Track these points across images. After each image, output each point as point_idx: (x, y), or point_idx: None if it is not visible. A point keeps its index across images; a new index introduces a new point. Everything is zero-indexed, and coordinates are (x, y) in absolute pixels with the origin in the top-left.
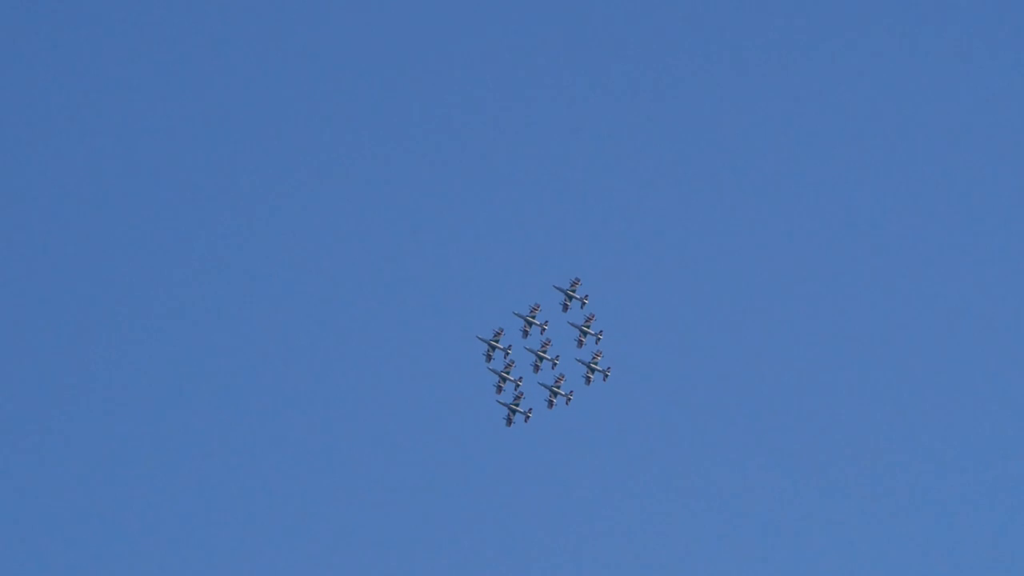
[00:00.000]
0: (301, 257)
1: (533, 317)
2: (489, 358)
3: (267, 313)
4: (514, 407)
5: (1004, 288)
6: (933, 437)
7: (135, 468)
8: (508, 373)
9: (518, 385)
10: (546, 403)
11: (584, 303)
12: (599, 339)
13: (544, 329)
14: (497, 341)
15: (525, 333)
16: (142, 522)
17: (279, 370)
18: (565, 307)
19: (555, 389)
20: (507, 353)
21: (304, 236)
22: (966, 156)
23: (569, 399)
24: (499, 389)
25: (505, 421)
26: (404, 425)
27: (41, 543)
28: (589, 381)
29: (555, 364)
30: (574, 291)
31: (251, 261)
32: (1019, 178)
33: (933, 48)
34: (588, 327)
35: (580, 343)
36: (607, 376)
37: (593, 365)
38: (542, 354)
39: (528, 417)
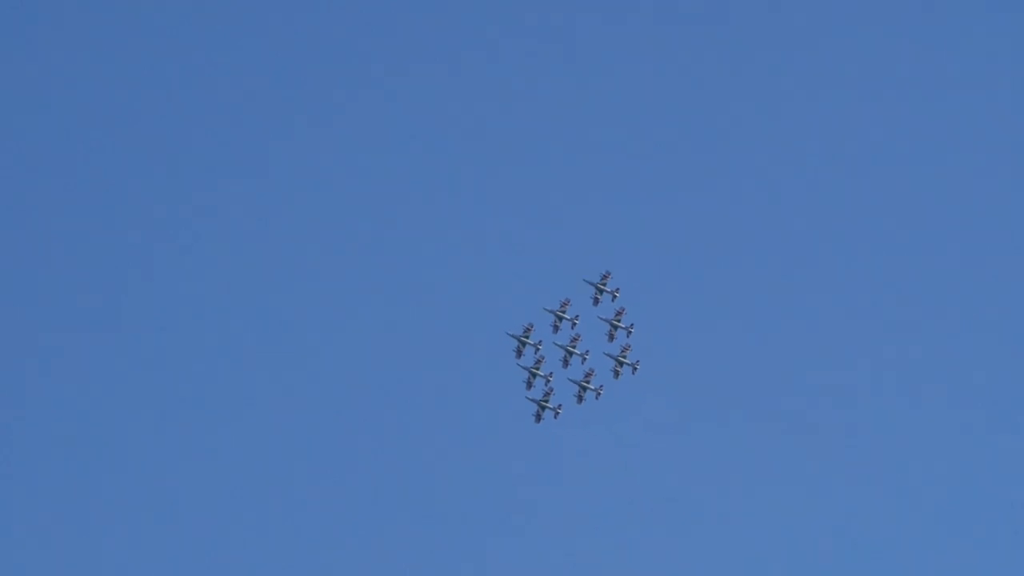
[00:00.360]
0: (328, 253)
1: (563, 312)
2: (519, 354)
3: (291, 310)
4: (544, 403)
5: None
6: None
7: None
8: (538, 369)
9: (548, 381)
10: (575, 398)
11: (615, 296)
12: (630, 332)
13: (575, 324)
14: (527, 337)
15: (556, 328)
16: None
17: (304, 368)
18: (596, 301)
19: (584, 384)
20: (537, 349)
21: (332, 231)
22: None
23: (599, 394)
24: (529, 385)
25: (535, 417)
26: (432, 422)
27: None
28: (618, 375)
29: (585, 359)
30: (604, 284)
31: (268, 257)
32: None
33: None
34: (619, 321)
35: (611, 337)
36: (636, 369)
37: (622, 359)
38: (571, 349)
39: (558, 413)
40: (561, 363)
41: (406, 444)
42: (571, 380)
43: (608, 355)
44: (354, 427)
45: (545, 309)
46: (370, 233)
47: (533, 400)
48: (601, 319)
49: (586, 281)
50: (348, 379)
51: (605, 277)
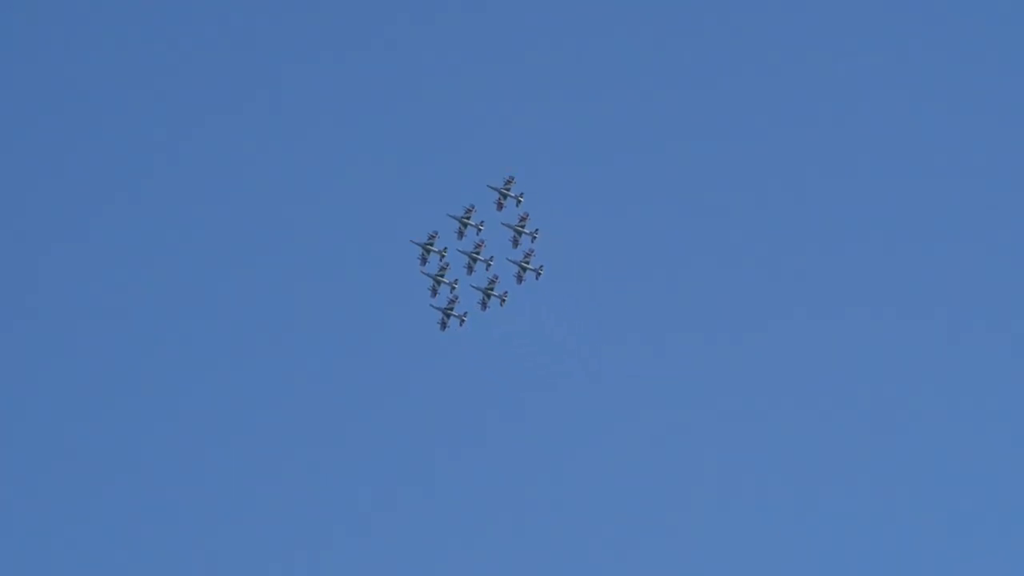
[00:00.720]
0: (235, 161)
1: (468, 218)
2: (424, 262)
3: (205, 234)
4: (448, 311)
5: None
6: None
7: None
8: (443, 276)
9: (453, 288)
10: (479, 305)
11: (519, 201)
12: (535, 238)
13: (480, 230)
14: (431, 245)
15: (460, 235)
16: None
17: (214, 286)
18: (499, 206)
19: (488, 291)
20: (442, 256)
21: (239, 146)
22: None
23: (504, 300)
24: (434, 293)
25: (439, 325)
26: (336, 334)
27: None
28: (521, 280)
29: (489, 265)
30: (508, 189)
31: (185, 195)
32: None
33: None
34: (523, 226)
35: (515, 243)
36: (540, 274)
37: (525, 264)
38: (475, 255)
39: (463, 321)
40: (465, 270)
41: (312, 359)
42: (474, 287)
43: (511, 260)
44: (258, 345)
45: (449, 215)
46: (275, 140)
47: (438, 308)
48: (504, 225)
49: (490, 187)
50: (252, 293)
51: (509, 182)
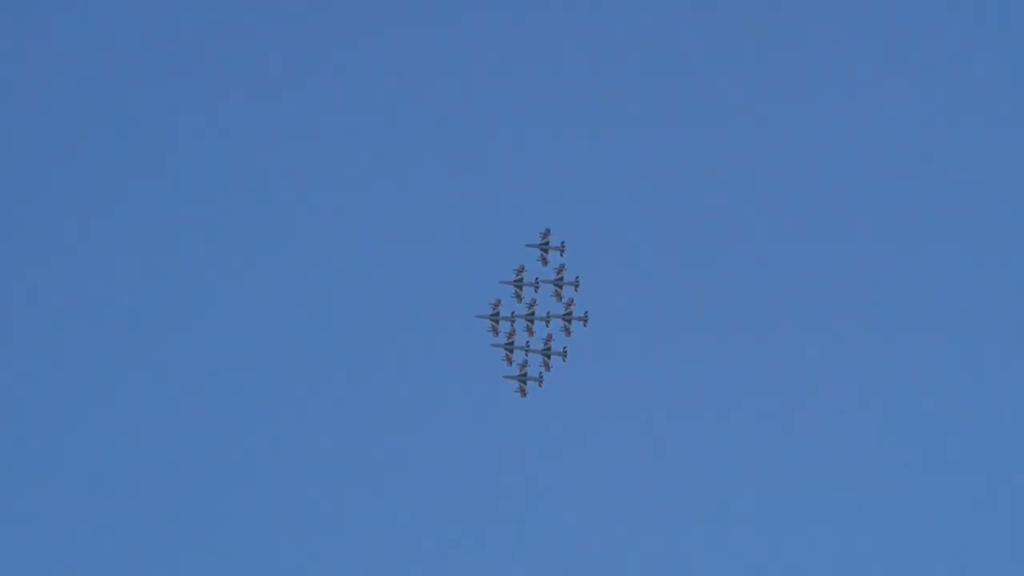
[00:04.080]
0: (275, 252)
1: (521, 279)
2: (496, 333)
3: (258, 309)
4: (523, 376)
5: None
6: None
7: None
8: (512, 342)
9: (527, 352)
10: (543, 367)
11: (563, 251)
12: (577, 287)
13: (537, 288)
14: (497, 314)
15: (518, 298)
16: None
17: (273, 364)
18: (544, 261)
19: (547, 351)
20: (512, 322)
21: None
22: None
23: (565, 356)
24: (509, 362)
25: (519, 393)
26: (416, 426)
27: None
28: (569, 332)
29: (548, 322)
30: (548, 242)
31: (234, 251)
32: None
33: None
34: (561, 277)
35: (558, 296)
36: (586, 322)
37: (568, 316)
38: (531, 316)
39: (540, 382)
40: (526, 332)
41: (407, 450)
42: (531, 351)
43: (553, 315)
44: (352, 463)
45: (502, 282)
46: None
47: (511, 377)
48: (544, 281)
49: (529, 246)
50: (329, 403)
51: (546, 235)
